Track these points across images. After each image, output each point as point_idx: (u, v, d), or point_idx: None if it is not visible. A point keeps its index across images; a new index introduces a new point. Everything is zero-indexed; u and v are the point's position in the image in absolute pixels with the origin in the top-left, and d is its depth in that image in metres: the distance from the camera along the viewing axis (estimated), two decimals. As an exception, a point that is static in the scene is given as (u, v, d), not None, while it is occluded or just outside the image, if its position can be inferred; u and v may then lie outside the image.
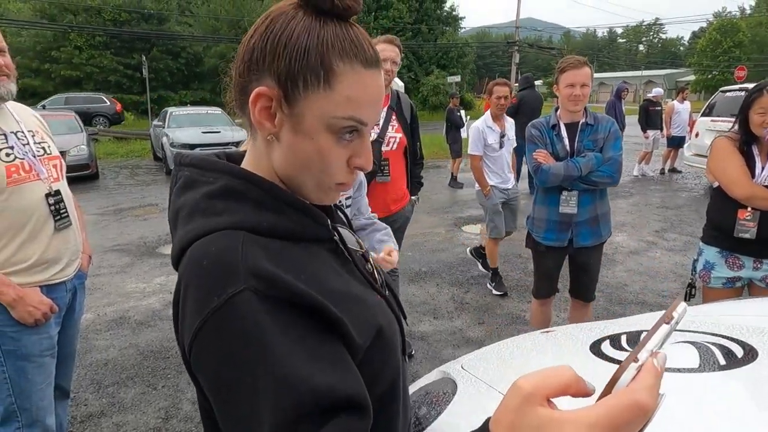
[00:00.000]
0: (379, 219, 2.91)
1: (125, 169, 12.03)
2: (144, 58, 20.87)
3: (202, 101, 24.96)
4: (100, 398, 2.87)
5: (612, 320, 2.00)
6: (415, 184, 3.19)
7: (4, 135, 1.65)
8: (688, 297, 2.80)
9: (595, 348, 1.65)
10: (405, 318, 0.83)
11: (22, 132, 1.71)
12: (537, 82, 9.43)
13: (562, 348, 1.78)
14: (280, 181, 0.66)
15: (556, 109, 2.71)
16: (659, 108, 10.34)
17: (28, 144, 1.70)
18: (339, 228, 0.73)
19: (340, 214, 0.83)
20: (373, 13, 32.61)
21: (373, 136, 2.80)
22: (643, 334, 0.41)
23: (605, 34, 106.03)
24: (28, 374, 1.70)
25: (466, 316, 3.92)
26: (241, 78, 0.63)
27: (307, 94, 0.59)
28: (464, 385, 1.55)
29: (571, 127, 2.63)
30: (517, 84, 9.70)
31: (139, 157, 14.05)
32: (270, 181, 0.64)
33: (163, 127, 11.65)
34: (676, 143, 10.41)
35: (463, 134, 9.61)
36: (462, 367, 1.72)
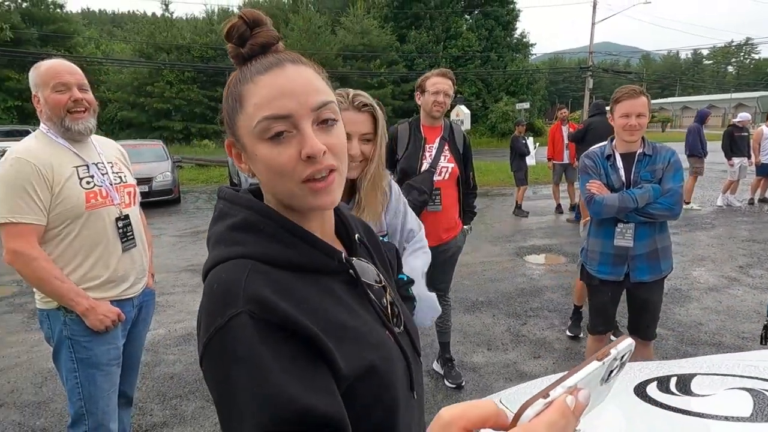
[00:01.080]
0: (430, 248, 2.94)
1: (204, 194, 12.86)
2: (226, 91, 22.36)
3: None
4: (164, 409, 3.06)
5: (666, 361, 1.89)
6: (467, 213, 3.20)
7: (86, 165, 1.88)
8: (764, 341, 2.58)
9: (640, 389, 1.57)
10: (419, 355, 0.84)
11: (102, 163, 1.95)
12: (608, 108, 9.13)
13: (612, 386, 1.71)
14: (285, 209, 0.72)
15: (612, 139, 2.64)
16: (746, 134, 9.59)
17: (106, 173, 1.94)
18: (358, 261, 0.78)
19: (363, 247, 0.85)
20: (442, 43, 33.07)
21: (425, 165, 2.88)
22: (567, 372, 0.41)
23: (689, 56, 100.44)
24: (97, 381, 1.88)
25: (521, 349, 3.80)
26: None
27: (237, 124, 0.69)
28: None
29: (627, 158, 2.55)
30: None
31: (217, 183, 14.98)
32: (283, 216, 0.70)
33: (239, 155, 12.34)
34: (765, 172, 9.60)
35: (529, 162, 9.42)
36: (500, 401, 1.69)
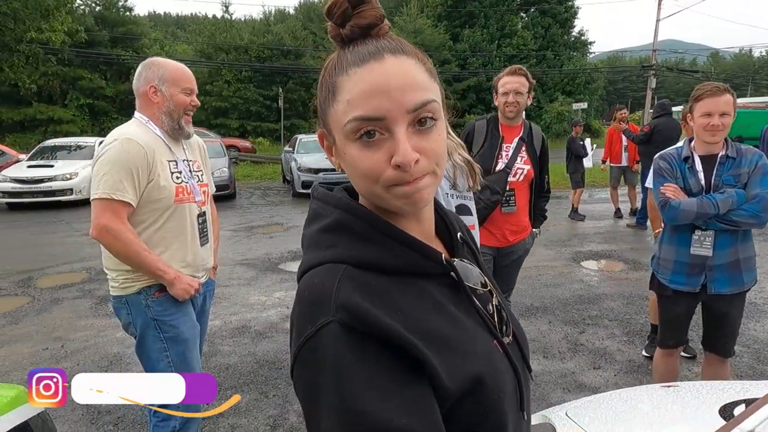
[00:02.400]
0: (496, 249, 2.94)
1: (258, 191, 13.21)
2: (281, 90, 22.98)
3: (328, 129, 26.69)
4: (219, 399, 3.13)
5: (752, 381, 1.74)
6: (538, 216, 3.12)
7: (176, 161, 1.98)
8: None
9: (726, 412, 1.45)
10: (530, 371, 0.77)
11: (188, 161, 2.06)
12: (676, 108, 8.59)
13: (685, 407, 1.59)
14: (378, 207, 0.67)
15: (690, 140, 2.46)
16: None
17: (191, 171, 2.05)
18: (461, 262, 0.72)
19: (466, 247, 0.79)
20: (497, 42, 32.50)
21: (501, 165, 2.83)
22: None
23: (764, 53, 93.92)
24: (187, 358, 1.97)
25: (580, 358, 3.64)
26: None
27: (329, 118, 0.64)
28: (564, 433, 1.45)
29: (708, 160, 2.37)
30: (652, 111, 8.97)
31: (270, 180, 15.37)
32: (377, 216, 0.65)
33: (293, 153, 12.63)
34: None
35: (587, 164, 9.06)
36: (566, 414, 1.61)
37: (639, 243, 7.12)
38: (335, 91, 0.62)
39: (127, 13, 30.05)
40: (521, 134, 2.88)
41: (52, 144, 12.44)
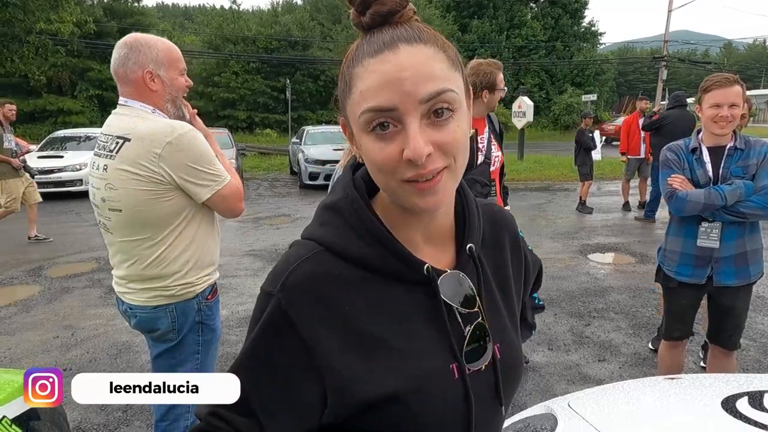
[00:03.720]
0: None
1: (265, 182, 13.25)
2: (288, 81, 22.94)
3: (336, 121, 26.71)
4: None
5: (757, 374, 1.73)
6: (505, 194, 3.17)
7: None
8: None
9: (729, 404, 1.45)
10: (501, 404, 0.71)
11: None
12: (689, 100, 8.49)
13: (687, 399, 1.59)
14: (393, 203, 0.67)
15: (698, 131, 2.44)
16: None
17: None
18: (452, 275, 0.68)
19: (472, 262, 0.72)
20: (505, 32, 32.21)
21: (481, 158, 2.81)
22: None
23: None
24: (213, 357, 1.89)
25: (585, 351, 3.64)
26: None
27: (347, 109, 0.63)
28: (566, 423, 1.46)
29: (716, 152, 2.35)
30: (664, 102, 8.84)
31: (278, 171, 15.40)
32: (368, 212, 0.66)
33: (300, 144, 12.63)
34: None
35: (595, 156, 8.98)
36: (569, 405, 1.62)
37: (647, 236, 7.07)
38: (351, 82, 0.61)
39: (136, 4, 30.07)
40: (487, 124, 2.85)
41: (62, 135, 12.53)
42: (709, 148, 2.36)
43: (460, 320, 0.67)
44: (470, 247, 0.71)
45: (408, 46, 0.58)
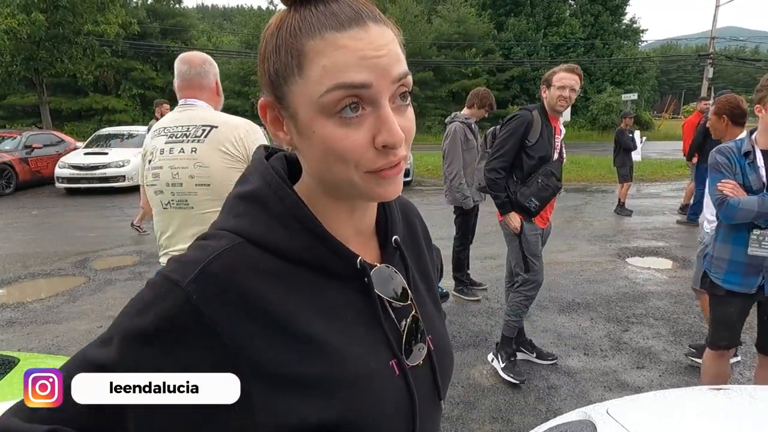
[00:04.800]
0: (542, 229, 3.16)
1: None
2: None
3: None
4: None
5: (811, 389, 1.65)
6: None
7: None
8: None
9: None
10: (441, 398, 0.68)
11: None
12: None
13: (736, 412, 1.52)
14: (324, 193, 0.61)
15: (751, 133, 2.34)
16: None
17: None
18: (384, 269, 0.64)
19: (399, 254, 0.69)
20: (542, 31, 31.61)
21: (555, 155, 3.07)
22: None
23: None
24: None
25: (622, 357, 3.54)
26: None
27: (290, 88, 0.55)
28: (605, 431, 1.42)
29: (771, 155, 2.24)
30: (709, 102, 8.45)
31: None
32: (297, 200, 0.59)
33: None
34: None
35: (635, 157, 8.71)
36: (607, 412, 1.58)
37: (689, 240, 6.82)
38: (302, 56, 0.53)
39: (177, 6, 30.96)
40: (560, 126, 3.14)
41: (106, 132, 13.02)
42: (763, 152, 2.25)
43: (393, 315, 0.63)
44: (395, 239, 0.68)
45: (375, 25, 0.53)
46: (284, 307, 0.55)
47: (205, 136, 1.89)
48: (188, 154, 1.90)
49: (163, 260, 2.02)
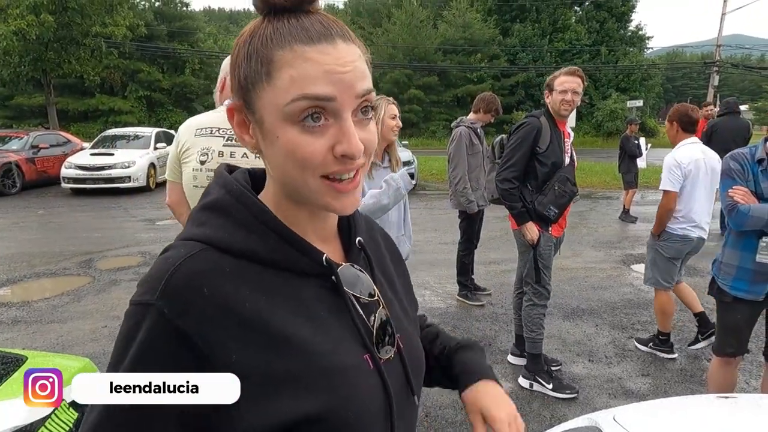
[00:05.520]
0: (557, 238, 3.15)
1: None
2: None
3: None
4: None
5: (820, 398, 1.64)
6: None
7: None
8: None
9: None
10: (413, 393, 0.70)
11: None
12: (742, 107, 8.02)
13: (742, 420, 1.51)
14: (289, 199, 0.63)
15: (766, 140, 2.32)
16: None
17: None
18: (348, 267, 0.67)
19: (363, 253, 0.72)
20: (548, 37, 31.63)
21: (567, 160, 3.03)
22: None
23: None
24: None
25: (627, 364, 3.52)
26: None
27: (258, 94, 0.57)
28: (613, 437, 1.41)
29: (784, 163, 2.23)
30: (713, 108, 8.43)
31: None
32: (261, 204, 0.61)
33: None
34: None
35: (640, 164, 8.69)
36: (614, 419, 1.57)
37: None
38: (272, 65, 0.55)
39: (184, 9, 31.17)
40: (569, 130, 3.13)
41: (113, 133, 13.11)
42: (776, 159, 2.24)
43: (362, 312, 0.65)
44: (359, 240, 0.71)
45: (343, 42, 0.56)
46: (255, 308, 0.56)
47: None
48: (252, 160, 1.81)
49: None
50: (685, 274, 5.59)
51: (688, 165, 3.28)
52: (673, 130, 3.46)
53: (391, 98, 2.54)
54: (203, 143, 1.88)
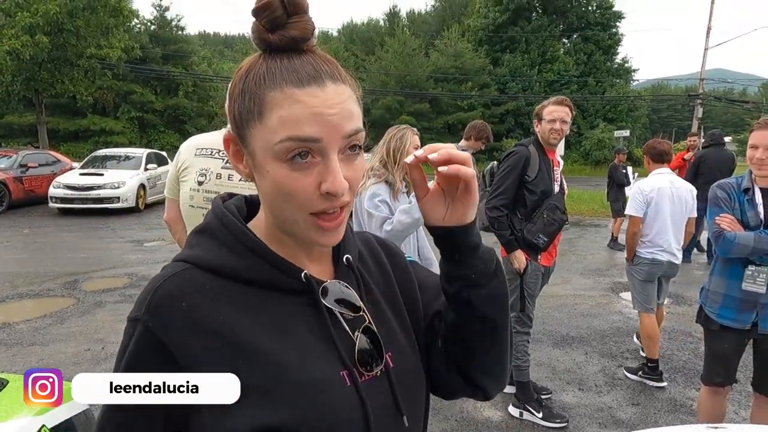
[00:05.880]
0: (546, 267, 3.12)
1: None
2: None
3: (366, 148, 27.13)
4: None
5: (809, 428, 1.64)
6: None
7: None
8: None
9: (781, 458, 1.37)
10: (400, 412, 0.67)
11: None
12: (726, 139, 8.20)
13: (734, 450, 1.50)
14: (277, 228, 0.66)
15: (752, 171, 2.38)
16: None
17: None
18: (334, 284, 0.68)
19: (351, 271, 0.72)
20: (537, 67, 32.37)
21: (556, 188, 3.04)
22: None
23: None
24: None
25: (617, 393, 3.50)
26: None
27: (250, 130, 0.60)
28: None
29: (768, 194, 2.28)
30: (696, 139, 8.63)
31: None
32: (242, 226, 0.65)
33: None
34: None
35: (628, 193, 8.80)
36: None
37: (682, 276, 6.83)
38: (263, 105, 0.58)
39: (180, 32, 31.51)
40: (558, 158, 3.15)
41: (103, 154, 13.06)
42: (762, 189, 2.29)
43: (346, 327, 0.66)
44: (347, 258, 0.72)
45: (333, 84, 0.59)
46: (232, 324, 0.59)
47: None
48: (248, 183, 1.87)
49: None
50: (674, 303, 5.65)
51: (650, 192, 3.58)
52: (646, 162, 3.84)
53: (415, 129, 2.62)
54: (202, 164, 1.89)
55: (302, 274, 0.64)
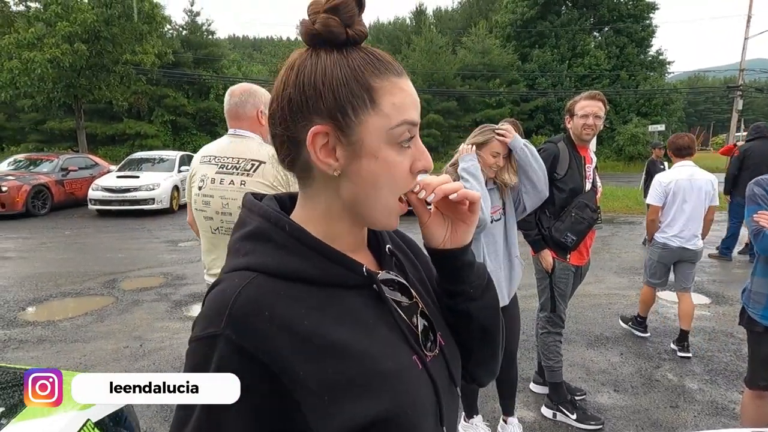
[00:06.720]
0: (578, 267, 3.08)
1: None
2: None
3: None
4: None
5: None
6: None
7: None
8: None
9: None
10: (456, 384, 0.75)
11: None
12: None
13: (782, 456, 1.45)
14: (324, 217, 0.67)
15: None
16: None
17: None
18: (386, 274, 0.71)
19: (395, 259, 0.77)
20: (567, 62, 31.70)
21: (588, 185, 2.99)
22: None
23: None
24: None
25: (655, 395, 3.41)
26: (285, 130, 0.65)
27: (360, 119, 0.62)
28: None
29: (810, 188, 2.19)
30: (739, 133, 8.30)
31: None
32: (299, 226, 0.64)
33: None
34: None
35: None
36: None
37: (722, 275, 6.62)
38: (374, 93, 0.62)
39: (210, 37, 32.15)
40: (591, 155, 3.08)
41: (139, 157, 13.46)
42: (801, 184, 2.21)
43: (402, 314, 0.69)
44: (389, 248, 0.77)
45: (406, 77, 0.66)
46: (311, 323, 0.60)
47: (254, 171, 2.00)
48: (237, 186, 1.99)
49: (207, 278, 2.15)
50: (713, 302, 5.46)
51: (669, 184, 3.99)
52: (670, 155, 4.19)
53: (513, 119, 2.77)
54: (203, 170, 2.06)
55: (363, 269, 0.66)
